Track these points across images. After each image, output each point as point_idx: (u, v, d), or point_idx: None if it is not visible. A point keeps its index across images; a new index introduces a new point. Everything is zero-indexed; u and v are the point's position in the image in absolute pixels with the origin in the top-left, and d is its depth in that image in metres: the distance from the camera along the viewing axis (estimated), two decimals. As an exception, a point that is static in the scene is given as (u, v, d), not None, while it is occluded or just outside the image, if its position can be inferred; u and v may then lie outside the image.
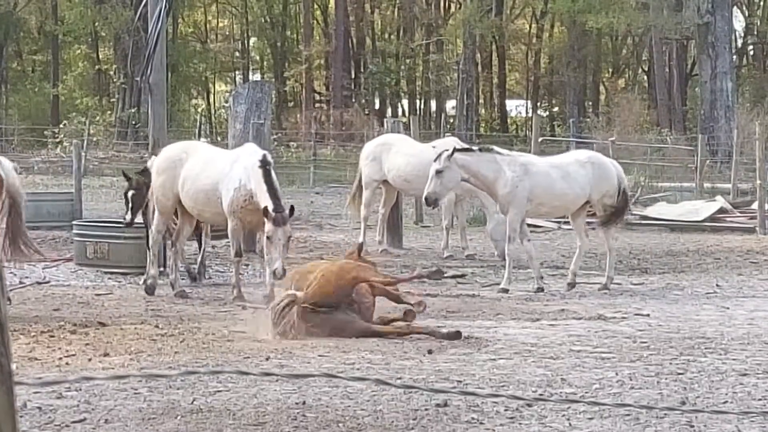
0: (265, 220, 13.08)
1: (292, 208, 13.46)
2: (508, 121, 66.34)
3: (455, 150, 14.98)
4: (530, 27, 66.80)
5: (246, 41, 68.94)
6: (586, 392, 8.80)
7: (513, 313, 12.99)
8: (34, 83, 62.66)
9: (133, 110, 50.56)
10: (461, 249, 19.13)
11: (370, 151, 19.65)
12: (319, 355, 10.19)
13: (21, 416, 7.50)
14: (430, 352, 10.38)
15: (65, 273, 16.52)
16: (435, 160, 15.06)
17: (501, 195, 14.95)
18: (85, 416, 7.92)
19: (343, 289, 11.24)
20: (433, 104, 66.23)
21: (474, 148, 15.64)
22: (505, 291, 14.85)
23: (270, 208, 13.09)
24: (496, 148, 15.89)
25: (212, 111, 67.91)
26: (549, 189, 15.08)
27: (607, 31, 56.40)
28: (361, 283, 11.34)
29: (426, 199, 15.25)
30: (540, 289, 14.90)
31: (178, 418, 7.88)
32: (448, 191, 16.16)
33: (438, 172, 14.83)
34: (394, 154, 19.13)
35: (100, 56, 60.97)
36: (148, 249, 15.02)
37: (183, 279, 15.27)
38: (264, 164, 13.61)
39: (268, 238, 13.08)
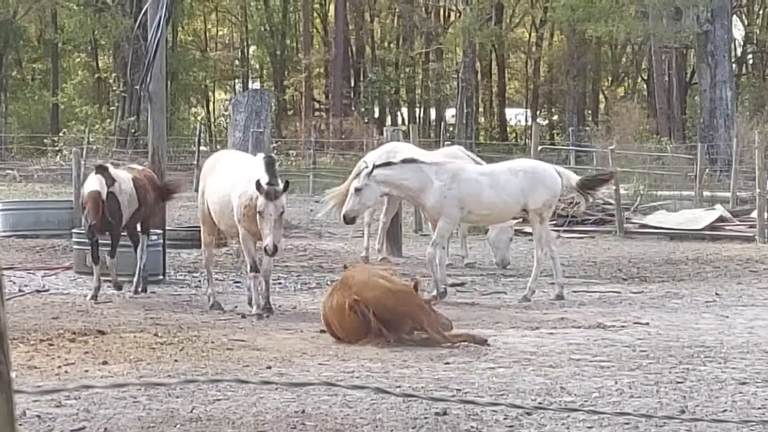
0: (258, 194, 12.89)
1: (287, 183, 13.24)
2: (508, 129, 66.39)
3: (375, 166, 14.69)
4: (530, 35, 66.87)
5: (246, 49, 68.99)
6: (586, 401, 8.79)
7: (512, 322, 12.98)
8: (34, 91, 62.67)
9: (132, 118, 50.60)
10: (461, 257, 19.13)
11: (376, 158, 19.56)
12: (319, 364, 10.18)
13: (20, 425, 7.49)
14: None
15: (64, 281, 16.51)
16: (355, 178, 14.88)
17: (429, 207, 14.73)
18: (84, 425, 7.92)
19: (398, 314, 11.22)
20: (433, 113, 66.31)
21: (395, 161, 15.23)
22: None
23: (263, 181, 12.87)
24: (420, 158, 15.56)
25: (212, 119, 67.96)
26: (477, 197, 14.78)
27: (606, 40, 56.43)
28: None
29: (344, 217, 14.95)
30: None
31: (178, 426, 7.87)
32: (367, 208, 16.08)
33: (357, 190, 14.59)
34: None
35: (100, 64, 61.01)
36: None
37: (183, 287, 15.22)
38: (266, 156, 13.61)
39: (259, 213, 12.85)
